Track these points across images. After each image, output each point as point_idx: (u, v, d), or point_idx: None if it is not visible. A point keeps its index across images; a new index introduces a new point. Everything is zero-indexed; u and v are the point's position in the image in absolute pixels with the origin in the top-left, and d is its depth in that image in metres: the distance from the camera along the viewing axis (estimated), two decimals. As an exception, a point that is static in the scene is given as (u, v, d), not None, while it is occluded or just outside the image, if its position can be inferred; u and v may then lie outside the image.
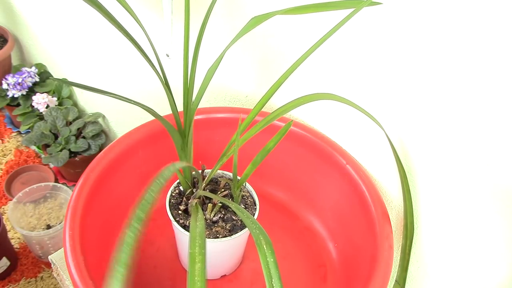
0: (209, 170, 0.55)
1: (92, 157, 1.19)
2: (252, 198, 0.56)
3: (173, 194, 0.55)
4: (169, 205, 0.53)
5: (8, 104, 1.34)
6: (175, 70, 0.74)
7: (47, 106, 1.26)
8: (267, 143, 0.51)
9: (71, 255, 0.48)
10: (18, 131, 1.46)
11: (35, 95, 1.26)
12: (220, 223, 0.53)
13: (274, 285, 0.33)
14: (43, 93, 1.28)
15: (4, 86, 1.29)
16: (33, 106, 1.26)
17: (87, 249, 0.49)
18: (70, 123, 1.27)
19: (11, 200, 1.16)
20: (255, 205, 0.54)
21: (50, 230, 1.03)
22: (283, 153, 0.64)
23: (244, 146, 0.52)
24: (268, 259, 0.34)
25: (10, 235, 1.14)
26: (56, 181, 1.32)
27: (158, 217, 0.65)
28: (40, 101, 1.24)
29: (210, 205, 0.53)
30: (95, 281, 0.47)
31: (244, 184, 0.55)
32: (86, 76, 1.20)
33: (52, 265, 0.68)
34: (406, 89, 0.50)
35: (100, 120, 1.28)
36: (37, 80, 1.32)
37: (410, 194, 0.54)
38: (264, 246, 0.35)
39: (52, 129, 1.23)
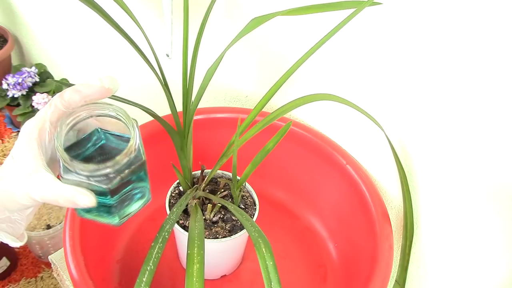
0: (209, 170, 0.55)
1: (92, 157, 1.19)
2: (252, 198, 0.56)
3: (173, 195, 0.55)
4: (169, 205, 0.53)
5: (8, 104, 1.34)
6: (175, 70, 0.74)
7: (47, 106, 1.25)
8: (267, 143, 0.51)
9: (71, 255, 0.48)
10: (18, 131, 1.46)
11: (35, 95, 1.26)
12: (220, 223, 0.53)
13: (273, 288, 0.33)
14: (43, 93, 1.27)
15: (4, 86, 1.29)
16: (33, 106, 1.26)
17: (87, 249, 0.49)
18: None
19: (11, 200, 1.16)
20: (255, 205, 0.54)
21: (50, 230, 1.03)
22: (283, 153, 0.64)
23: (244, 146, 0.52)
24: (267, 262, 0.34)
25: (10, 235, 1.14)
26: (56, 181, 1.32)
27: (158, 217, 0.65)
28: (40, 101, 1.24)
29: (209, 205, 0.53)
30: (95, 281, 0.47)
31: (244, 184, 0.55)
32: (86, 76, 1.20)
33: (52, 265, 0.68)
34: (405, 89, 0.50)
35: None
36: (37, 80, 1.32)
37: (410, 194, 0.54)
38: (263, 249, 0.35)
39: (52, 129, 1.23)
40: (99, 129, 0.38)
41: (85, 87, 0.35)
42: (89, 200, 0.34)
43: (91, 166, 0.33)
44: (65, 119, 0.35)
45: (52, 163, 0.37)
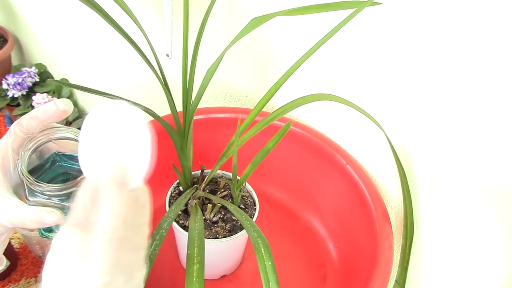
0: (209, 170, 0.55)
1: (92, 157, 1.19)
2: (252, 198, 0.56)
3: (173, 195, 0.55)
4: (169, 205, 0.53)
5: (8, 104, 1.34)
6: (175, 70, 0.74)
7: (47, 106, 1.25)
8: (267, 143, 0.51)
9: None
10: (18, 131, 1.46)
11: (35, 95, 1.26)
12: (220, 223, 0.53)
13: (271, 289, 0.33)
14: (43, 93, 1.27)
15: (4, 86, 1.29)
16: (33, 106, 1.26)
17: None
18: (70, 123, 1.26)
19: (11, 200, 1.15)
20: (255, 205, 0.54)
21: (50, 230, 1.03)
22: (283, 153, 0.64)
23: (244, 146, 0.52)
24: (266, 262, 0.34)
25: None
26: (56, 181, 1.32)
27: (159, 217, 0.65)
28: (40, 101, 1.24)
29: (209, 205, 0.53)
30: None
31: (244, 184, 0.55)
32: (86, 76, 1.20)
33: (52, 265, 0.68)
34: (405, 89, 0.50)
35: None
36: (37, 80, 1.32)
37: (410, 194, 0.54)
38: (262, 250, 0.35)
39: (52, 129, 1.23)
40: (56, 152, 0.40)
41: (41, 112, 0.37)
42: (56, 216, 0.35)
43: (55, 186, 0.35)
44: (26, 144, 0.36)
45: (18, 189, 0.38)
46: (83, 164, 0.30)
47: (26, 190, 0.36)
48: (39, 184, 0.34)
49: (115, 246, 0.29)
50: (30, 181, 0.34)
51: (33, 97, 1.26)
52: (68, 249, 0.29)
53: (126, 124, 0.30)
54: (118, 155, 0.30)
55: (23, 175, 0.35)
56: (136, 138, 0.30)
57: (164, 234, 0.39)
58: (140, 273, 0.32)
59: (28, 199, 0.36)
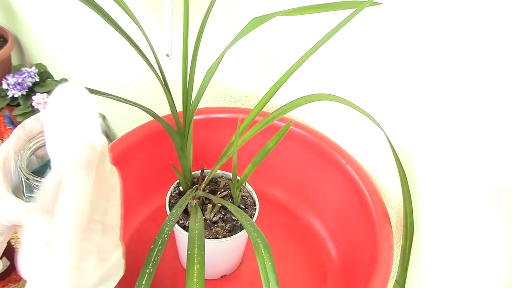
0: (209, 170, 0.55)
1: (92, 157, 1.18)
2: (252, 198, 0.56)
3: (173, 195, 0.55)
4: (169, 205, 0.53)
5: (8, 104, 1.34)
6: (175, 70, 0.74)
7: (47, 106, 1.25)
8: (267, 143, 0.51)
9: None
10: (18, 131, 1.46)
11: (35, 95, 1.25)
12: (220, 223, 0.53)
13: (271, 288, 0.33)
14: (43, 93, 1.27)
15: (4, 86, 1.29)
16: (33, 106, 1.26)
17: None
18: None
19: (11, 200, 1.15)
20: (255, 205, 0.54)
21: (50, 230, 1.03)
22: (283, 153, 0.64)
23: (244, 146, 0.52)
24: (266, 262, 0.34)
25: (10, 235, 1.14)
26: (56, 181, 1.31)
27: (158, 217, 0.65)
28: (40, 101, 1.24)
29: (209, 205, 0.53)
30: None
31: (244, 184, 0.55)
32: (86, 76, 1.20)
33: (52, 265, 0.68)
34: (405, 90, 0.50)
35: (100, 120, 1.28)
36: (37, 80, 1.32)
37: (410, 194, 0.54)
38: (262, 250, 0.35)
39: (52, 129, 1.23)
40: None
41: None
42: None
43: None
44: (27, 143, 0.37)
45: (17, 191, 0.38)
46: (51, 154, 0.31)
47: (24, 186, 0.36)
48: (36, 179, 0.35)
49: (80, 228, 0.29)
50: (28, 176, 0.35)
51: (33, 97, 1.26)
52: (37, 236, 0.29)
53: (75, 103, 0.31)
54: (75, 136, 0.30)
55: (21, 171, 0.35)
56: (85, 114, 0.31)
57: (166, 239, 0.39)
58: (115, 253, 0.32)
59: (25, 196, 0.36)
